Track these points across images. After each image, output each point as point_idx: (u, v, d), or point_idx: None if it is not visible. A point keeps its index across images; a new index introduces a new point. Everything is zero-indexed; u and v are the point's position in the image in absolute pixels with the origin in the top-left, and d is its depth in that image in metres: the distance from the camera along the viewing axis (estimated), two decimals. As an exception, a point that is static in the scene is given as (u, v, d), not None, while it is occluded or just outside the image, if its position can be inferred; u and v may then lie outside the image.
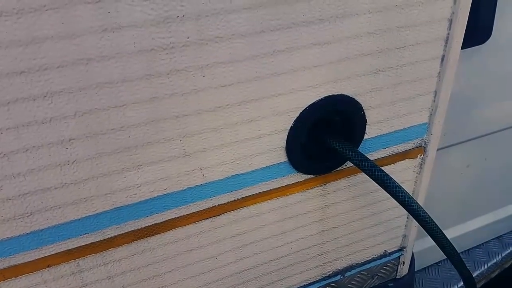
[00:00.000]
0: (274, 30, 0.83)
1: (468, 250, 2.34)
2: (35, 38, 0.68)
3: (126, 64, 0.75)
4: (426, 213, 1.03)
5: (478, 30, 1.37)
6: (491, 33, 1.41)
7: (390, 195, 1.01)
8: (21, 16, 0.66)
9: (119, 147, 0.82)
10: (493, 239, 2.42)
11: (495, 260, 2.32)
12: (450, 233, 2.11)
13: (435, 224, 1.05)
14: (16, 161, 0.78)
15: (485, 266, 2.28)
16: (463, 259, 1.19)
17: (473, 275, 2.25)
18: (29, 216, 0.85)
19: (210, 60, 0.80)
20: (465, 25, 1.01)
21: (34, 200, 0.84)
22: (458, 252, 1.15)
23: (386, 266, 1.44)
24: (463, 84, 1.53)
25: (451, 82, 1.09)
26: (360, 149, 1.12)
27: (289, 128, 0.99)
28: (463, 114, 1.61)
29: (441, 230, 1.07)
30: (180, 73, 0.79)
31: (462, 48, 1.38)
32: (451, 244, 1.09)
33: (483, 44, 1.43)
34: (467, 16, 1.01)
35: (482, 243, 2.38)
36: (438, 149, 1.64)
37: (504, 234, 2.45)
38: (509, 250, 2.38)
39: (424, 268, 2.17)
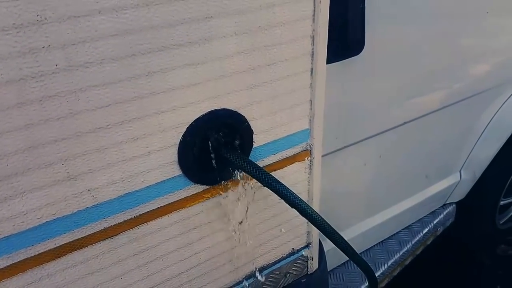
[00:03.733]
0: (145, 53, 0.90)
1: (382, 241, 2.55)
2: None
3: (-6, 94, 0.77)
4: (311, 208, 1.15)
5: (350, 43, 1.55)
6: (363, 45, 1.60)
7: (277, 195, 1.12)
8: None
9: (-3, 176, 0.83)
10: (403, 229, 2.67)
11: (406, 248, 2.56)
12: (361, 227, 2.30)
13: (324, 220, 1.17)
14: None
15: (398, 255, 2.50)
16: (357, 251, 1.34)
17: (388, 264, 2.45)
18: None
19: (82, 84, 0.84)
20: (326, 40, 1.16)
21: None
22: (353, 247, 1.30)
23: (296, 263, 1.54)
24: (348, 91, 1.72)
25: (324, 91, 1.23)
26: (251, 156, 1.21)
27: (178, 142, 1.06)
28: (352, 118, 1.80)
29: (330, 226, 1.19)
30: (52, 98, 0.82)
31: (338, 60, 1.57)
32: (341, 237, 1.23)
33: (358, 55, 1.63)
34: (327, 32, 1.15)
35: (394, 234, 2.61)
36: (334, 151, 1.82)
37: (412, 224, 2.71)
38: (417, 238, 2.64)
39: (344, 263, 2.33)
